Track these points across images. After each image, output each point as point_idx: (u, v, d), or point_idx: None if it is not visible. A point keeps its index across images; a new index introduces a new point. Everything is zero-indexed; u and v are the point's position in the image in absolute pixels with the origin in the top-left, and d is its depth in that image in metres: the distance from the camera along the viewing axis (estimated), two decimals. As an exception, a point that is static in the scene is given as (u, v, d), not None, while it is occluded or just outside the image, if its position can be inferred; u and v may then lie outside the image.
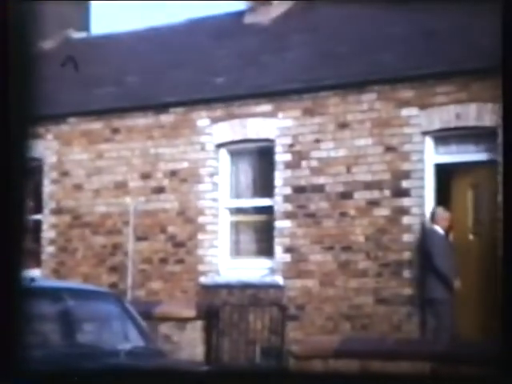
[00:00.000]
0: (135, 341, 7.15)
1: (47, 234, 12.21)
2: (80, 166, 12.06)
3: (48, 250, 12.18)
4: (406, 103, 10.11)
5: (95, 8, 15.22)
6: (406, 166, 10.09)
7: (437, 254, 9.77)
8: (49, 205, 12.24)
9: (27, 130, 3.39)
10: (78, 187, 12.04)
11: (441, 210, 9.96)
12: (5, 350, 3.31)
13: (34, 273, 12.16)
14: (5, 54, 3.26)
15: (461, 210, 10.18)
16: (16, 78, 3.29)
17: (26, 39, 3.35)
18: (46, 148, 12.29)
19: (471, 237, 10.09)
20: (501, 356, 4.60)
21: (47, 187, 12.27)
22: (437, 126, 10.03)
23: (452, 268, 9.84)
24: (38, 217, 12.41)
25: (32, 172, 11.93)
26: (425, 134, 10.09)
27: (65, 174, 12.18)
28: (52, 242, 12.16)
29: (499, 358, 4.64)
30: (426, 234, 10.00)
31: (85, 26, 14.80)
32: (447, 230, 10.09)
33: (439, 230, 9.94)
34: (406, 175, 10.07)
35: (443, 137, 10.07)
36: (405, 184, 10.08)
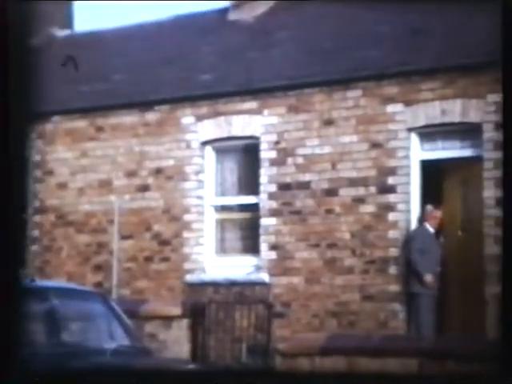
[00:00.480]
0: (121, 339, 7.13)
1: (31, 232, 12.15)
2: (64, 164, 12.00)
3: (32, 248, 12.12)
4: (392, 100, 10.11)
5: (78, 5, 15.13)
6: (391, 163, 10.09)
7: (414, 249, 9.84)
8: (33, 204, 12.18)
9: (27, 128, 3.36)
10: (62, 186, 11.98)
11: (431, 208, 10.03)
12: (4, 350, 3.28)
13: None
14: (5, 52, 3.23)
15: (450, 207, 10.20)
16: (16, 77, 3.25)
17: (25, 38, 3.33)
18: (30, 147, 12.22)
19: (460, 233, 10.12)
20: (500, 355, 4.60)
21: (31, 186, 12.20)
22: (422, 122, 10.03)
23: (431, 265, 9.84)
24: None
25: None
26: (410, 130, 10.09)
27: (49, 172, 12.12)
28: (36, 240, 12.10)
29: (498, 358, 4.63)
30: (413, 232, 10.02)
31: (68, 23, 14.71)
32: (437, 229, 10.14)
33: (428, 227, 10.02)
34: (392, 172, 10.07)
35: (429, 133, 10.08)
36: (390, 180, 10.08)
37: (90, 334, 7.33)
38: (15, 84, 3.23)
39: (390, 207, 10.07)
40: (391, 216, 10.06)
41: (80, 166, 11.91)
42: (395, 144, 10.10)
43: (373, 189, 10.16)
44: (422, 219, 10.05)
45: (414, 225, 10.12)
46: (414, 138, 10.13)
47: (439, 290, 10.00)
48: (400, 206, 10.05)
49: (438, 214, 10.07)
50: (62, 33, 14.48)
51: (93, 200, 11.77)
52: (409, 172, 10.06)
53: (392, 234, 10.02)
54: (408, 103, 10.04)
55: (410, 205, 10.05)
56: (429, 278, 9.81)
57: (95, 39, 13.86)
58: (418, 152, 10.13)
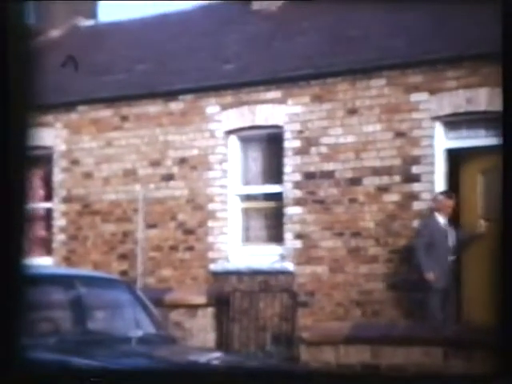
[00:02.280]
0: (147, 328, 7.16)
1: (58, 222, 12.24)
2: (89, 154, 12.08)
3: (59, 237, 12.21)
4: (416, 88, 10.08)
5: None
6: (415, 152, 10.07)
7: (420, 243, 9.57)
8: (59, 193, 12.27)
9: (27, 118, 3.39)
10: (88, 175, 12.06)
11: (442, 197, 9.78)
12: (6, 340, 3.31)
13: (46, 260, 12.22)
14: (5, 52, 3.25)
15: (471, 196, 10.15)
16: (16, 66, 3.28)
17: (25, 37, 3.35)
18: (56, 136, 12.30)
19: (482, 222, 10.05)
20: (500, 356, 4.59)
21: (57, 175, 12.29)
22: (447, 110, 10.00)
23: (437, 260, 9.56)
24: (48, 205, 12.44)
25: (34, 160, 11.92)
26: (435, 119, 10.06)
27: (75, 162, 12.20)
28: (63, 229, 12.18)
29: (498, 357, 4.63)
30: (421, 223, 9.81)
31: (92, 13, 14.78)
32: (451, 218, 9.85)
33: (439, 217, 9.75)
34: (416, 161, 10.05)
35: (453, 122, 10.04)
36: (415, 169, 10.06)
37: (116, 322, 7.38)
38: (15, 84, 3.25)
39: (414, 196, 10.05)
40: (415, 205, 10.04)
41: (105, 155, 11.97)
42: (419, 133, 10.08)
43: (397, 178, 10.15)
44: (432, 209, 9.78)
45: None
46: (439, 126, 10.10)
47: (451, 284, 9.69)
48: (424, 195, 10.03)
49: (450, 202, 9.76)
50: (86, 23, 14.55)
51: (118, 189, 11.84)
52: (433, 161, 10.03)
53: (416, 223, 10.00)
54: (432, 92, 10.01)
55: (434, 194, 10.02)
56: (430, 276, 9.49)
57: (119, 29, 13.91)
58: (443, 141, 10.11)
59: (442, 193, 9.86)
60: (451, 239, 9.79)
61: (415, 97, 10.10)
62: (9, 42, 3.25)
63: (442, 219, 9.77)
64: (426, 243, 9.59)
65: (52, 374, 5.64)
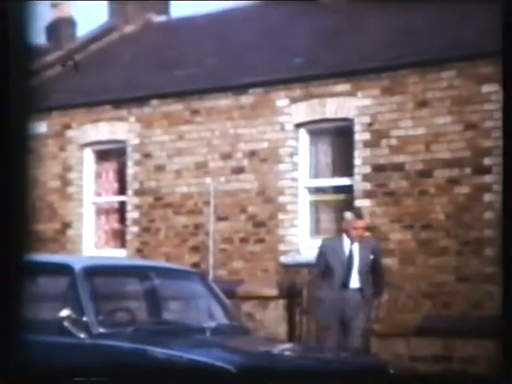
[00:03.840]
0: (220, 318, 7.29)
1: (131, 214, 12.46)
2: (162, 147, 12.26)
3: (132, 230, 12.43)
4: (487, 79, 10.01)
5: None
6: (486, 143, 10.00)
7: (317, 271, 8.58)
8: (132, 186, 12.49)
9: (27, 119, 3.46)
10: (160, 168, 12.25)
11: (351, 216, 8.62)
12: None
13: (119, 252, 12.46)
14: (5, 53, 3.34)
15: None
16: (16, 77, 3.36)
17: (26, 38, 3.42)
18: (129, 131, 12.52)
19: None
20: (500, 355, 4.57)
21: (131, 169, 12.51)
22: (519, 102, 9.89)
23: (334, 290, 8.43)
24: (122, 198, 12.68)
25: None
26: (506, 110, 9.97)
27: (147, 155, 12.40)
28: (136, 222, 12.40)
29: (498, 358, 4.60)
30: (322, 245, 8.81)
31: (165, 10, 14.98)
32: (357, 240, 8.62)
33: (346, 239, 8.62)
34: (488, 152, 9.98)
35: (525, 113, 9.94)
36: (486, 161, 9.99)
37: (190, 313, 7.53)
38: (15, 85, 3.34)
39: (485, 188, 9.99)
40: (487, 197, 9.98)
41: (176, 148, 12.14)
42: (491, 124, 10.00)
43: (468, 170, 10.09)
44: (340, 229, 8.78)
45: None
46: (510, 118, 10.01)
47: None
48: (495, 187, 9.95)
49: (359, 223, 8.54)
50: (158, 19, 14.76)
51: (189, 182, 12.00)
52: (505, 153, 9.94)
53: (488, 215, 9.93)
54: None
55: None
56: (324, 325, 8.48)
57: (189, 24, 14.08)
58: (515, 132, 10.01)
59: (350, 211, 8.82)
60: (356, 266, 8.52)
61: (486, 88, 10.02)
62: (9, 41, 3.33)
63: (347, 241, 8.56)
64: (321, 272, 8.51)
65: (52, 374, 5.76)
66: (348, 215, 8.52)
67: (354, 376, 6.27)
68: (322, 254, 8.55)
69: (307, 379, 6.08)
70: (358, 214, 8.62)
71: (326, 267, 8.43)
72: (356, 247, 8.51)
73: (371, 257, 8.52)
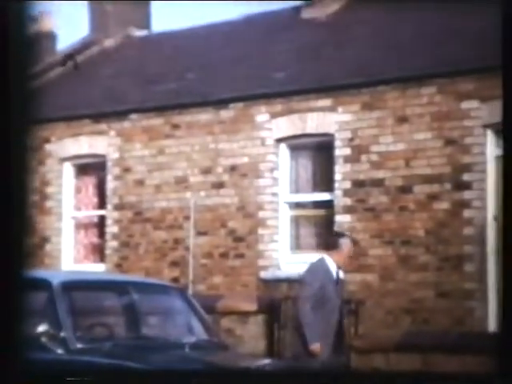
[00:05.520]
0: (199, 334, 7.25)
1: (111, 229, 12.40)
2: (141, 161, 12.22)
3: (111, 244, 12.37)
4: (467, 96, 10.05)
5: (156, 6, 15.38)
6: (466, 159, 10.03)
7: (304, 300, 7.53)
8: (112, 200, 12.43)
9: (28, 119, 3.44)
10: (140, 183, 12.20)
11: (349, 243, 7.98)
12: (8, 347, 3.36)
13: (98, 267, 12.38)
14: (5, 54, 3.31)
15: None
16: (16, 79, 3.33)
17: (25, 38, 3.40)
18: (109, 145, 12.47)
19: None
20: (500, 356, 4.57)
21: (110, 183, 12.45)
22: (498, 118, 9.93)
23: (326, 325, 7.65)
24: (101, 212, 12.61)
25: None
26: (486, 126, 10.02)
27: (127, 169, 12.35)
28: (115, 236, 12.33)
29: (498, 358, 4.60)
30: (309, 269, 7.88)
31: (145, 24, 14.96)
32: (342, 269, 8.02)
33: (331, 262, 7.87)
34: (467, 168, 10.01)
35: (505, 129, 9.98)
36: (466, 177, 10.02)
37: (169, 328, 7.48)
38: (15, 85, 3.31)
39: (465, 204, 10.01)
40: (466, 213, 10.00)
41: (157, 163, 12.10)
42: (470, 140, 10.04)
43: (448, 185, 10.11)
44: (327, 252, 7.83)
45: (489, 222, 10.02)
46: (490, 134, 10.06)
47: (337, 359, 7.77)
48: (475, 203, 9.98)
49: (348, 247, 7.85)
50: (139, 33, 14.73)
51: (169, 197, 11.96)
52: (484, 168, 9.99)
53: (467, 230, 9.95)
54: (484, 99, 9.97)
55: (485, 201, 9.97)
56: (315, 347, 7.48)
57: (170, 39, 14.06)
58: (494, 148, 10.06)
59: (337, 234, 8.35)
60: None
61: (466, 104, 10.07)
62: (9, 42, 3.30)
63: (333, 266, 7.85)
64: (313, 298, 7.54)
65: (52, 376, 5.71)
66: (346, 242, 7.80)
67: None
68: (315, 272, 7.56)
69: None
70: (354, 241, 8.06)
71: (319, 290, 7.50)
72: (341, 275, 7.88)
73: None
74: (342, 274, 7.80)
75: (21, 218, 3.36)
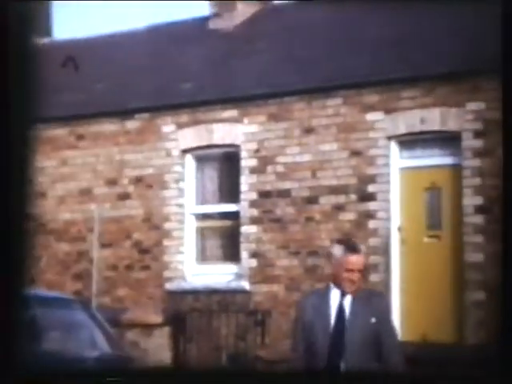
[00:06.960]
0: (103, 348, 7.11)
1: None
2: (44, 173, 11.96)
3: (12, 257, 12.05)
4: (372, 108, 10.17)
5: (57, 12, 15.11)
6: (371, 171, 10.14)
7: (298, 338, 5.17)
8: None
9: (27, 132, 3.36)
10: (42, 195, 11.94)
11: (340, 250, 5.16)
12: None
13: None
14: (5, 54, 3.22)
15: (416, 212, 10.10)
16: (16, 79, 3.25)
17: (25, 38, 3.32)
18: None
19: (426, 240, 10.02)
20: (500, 356, 4.62)
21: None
22: (402, 130, 10.09)
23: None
24: None
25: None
26: (390, 138, 10.15)
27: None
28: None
29: (498, 359, 4.65)
30: (305, 301, 5.31)
31: (48, 31, 14.68)
32: (351, 291, 5.18)
33: (334, 289, 5.21)
34: (372, 179, 10.12)
35: (408, 141, 10.14)
36: (370, 188, 10.12)
37: (71, 343, 7.31)
38: (15, 86, 3.23)
39: (370, 215, 10.11)
40: (371, 224, 10.10)
41: (60, 174, 11.88)
42: (375, 152, 10.16)
43: (353, 196, 10.20)
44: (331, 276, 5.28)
45: (393, 233, 10.12)
46: (394, 146, 10.19)
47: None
48: (380, 214, 10.09)
49: (357, 262, 5.22)
50: (40, 41, 14.43)
51: (73, 208, 11.74)
52: (388, 180, 10.11)
53: (372, 241, 10.05)
54: (388, 111, 10.10)
55: (389, 212, 10.09)
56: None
57: (76, 47, 13.82)
58: (398, 160, 10.19)
59: (339, 242, 5.35)
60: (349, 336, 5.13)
61: (371, 116, 10.18)
62: (9, 42, 3.21)
63: (336, 295, 5.23)
64: (305, 338, 5.15)
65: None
66: (337, 249, 5.23)
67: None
68: (301, 316, 5.26)
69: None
70: (352, 246, 5.29)
71: (305, 337, 5.19)
72: (348, 302, 5.25)
73: (373, 320, 5.19)
74: (349, 302, 5.32)
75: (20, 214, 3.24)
